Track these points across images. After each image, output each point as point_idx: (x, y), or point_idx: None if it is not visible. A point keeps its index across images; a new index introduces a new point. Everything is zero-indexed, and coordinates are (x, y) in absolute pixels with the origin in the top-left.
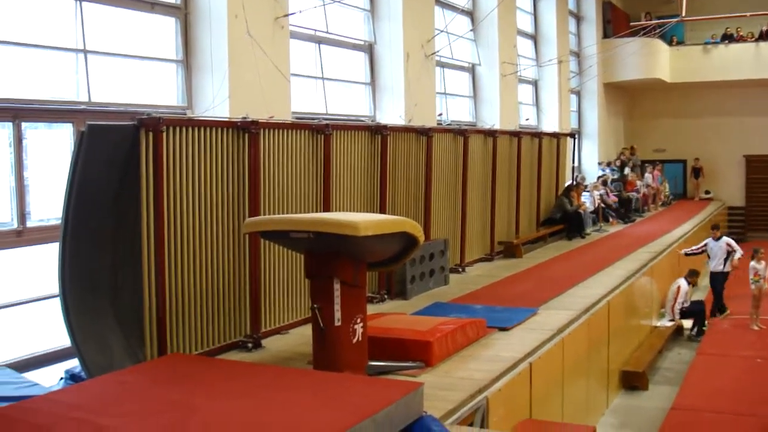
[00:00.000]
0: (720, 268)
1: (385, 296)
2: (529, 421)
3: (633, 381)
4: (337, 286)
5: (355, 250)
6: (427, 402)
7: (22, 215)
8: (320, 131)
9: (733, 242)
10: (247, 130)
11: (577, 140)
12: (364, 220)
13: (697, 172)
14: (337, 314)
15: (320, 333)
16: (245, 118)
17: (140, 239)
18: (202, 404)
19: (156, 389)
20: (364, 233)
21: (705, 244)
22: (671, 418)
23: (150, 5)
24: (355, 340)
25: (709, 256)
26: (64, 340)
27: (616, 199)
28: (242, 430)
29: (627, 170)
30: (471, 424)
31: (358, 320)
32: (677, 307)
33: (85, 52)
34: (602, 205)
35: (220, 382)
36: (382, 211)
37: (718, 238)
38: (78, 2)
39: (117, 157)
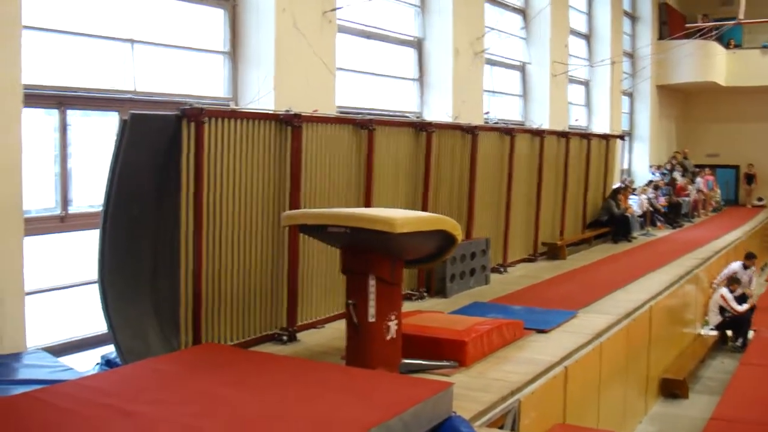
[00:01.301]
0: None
1: (425, 294)
2: (562, 426)
3: (673, 389)
4: (372, 283)
5: (391, 246)
6: (459, 402)
7: (65, 201)
8: (364, 126)
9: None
10: (289, 123)
11: (627, 143)
12: (401, 217)
13: (750, 178)
14: (372, 311)
15: (354, 329)
16: (288, 111)
17: (179, 228)
18: (230, 395)
19: (187, 378)
20: (401, 230)
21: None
22: (710, 428)
23: None
24: (388, 338)
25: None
26: (102, 326)
27: (665, 203)
28: (267, 424)
29: (677, 174)
30: (501, 427)
31: (393, 317)
32: (734, 305)
33: (133, 41)
34: (650, 209)
35: (251, 374)
36: (425, 208)
37: (747, 267)
38: None
39: (159, 146)
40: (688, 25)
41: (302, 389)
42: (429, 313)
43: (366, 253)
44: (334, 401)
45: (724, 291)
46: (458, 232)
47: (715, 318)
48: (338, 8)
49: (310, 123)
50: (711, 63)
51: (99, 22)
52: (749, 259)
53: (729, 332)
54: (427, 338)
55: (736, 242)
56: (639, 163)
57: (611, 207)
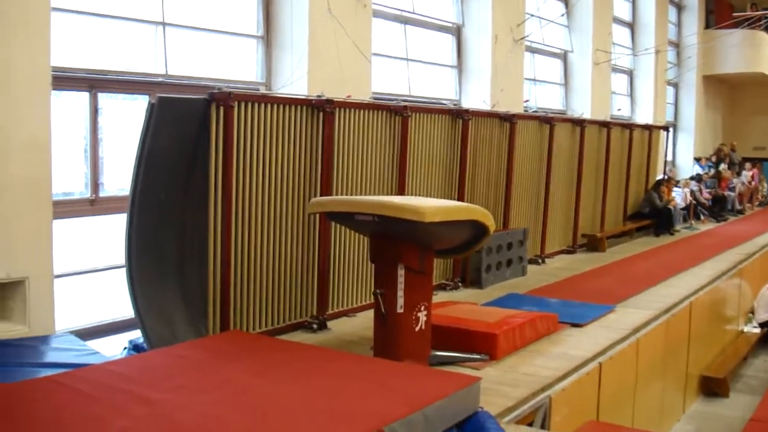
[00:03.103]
0: None
1: (459, 284)
2: (594, 423)
3: (713, 387)
4: (401, 272)
5: (421, 236)
6: (488, 397)
7: (96, 184)
8: (398, 113)
9: None
10: (321, 109)
11: (672, 134)
12: (431, 206)
13: None
14: (400, 301)
15: (382, 319)
16: (320, 96)
17: (208, 214)
18: (254, 384)
19: (211, 366)
20: (431, 219)
21: None
22: (750, 429)
23: None
24: (417, 329)
25: None
26: (130, 311)
27: (709, 196)
28: (287, 414)
29: (723, 166)
30: (531, 423)
31: (422, 308)
32: None
33: (164, 24)
34: (694, 201)
35: (276, 363)
36: (460, 197)
37: None
38: None
39: (187, 130)
40: (735, 14)
41: (325, 380)
42: (461, 304)
43: (395, 241)
44: (357, 393)
45: None
46: (490, 222)
47: (764, 315)
48: None
49: (343, 109)
50: (759, 53)
51: (131, 4)
52: None
53: None
54: (458, 330)
55: None
56: (683, 155)
57: (653, 199)
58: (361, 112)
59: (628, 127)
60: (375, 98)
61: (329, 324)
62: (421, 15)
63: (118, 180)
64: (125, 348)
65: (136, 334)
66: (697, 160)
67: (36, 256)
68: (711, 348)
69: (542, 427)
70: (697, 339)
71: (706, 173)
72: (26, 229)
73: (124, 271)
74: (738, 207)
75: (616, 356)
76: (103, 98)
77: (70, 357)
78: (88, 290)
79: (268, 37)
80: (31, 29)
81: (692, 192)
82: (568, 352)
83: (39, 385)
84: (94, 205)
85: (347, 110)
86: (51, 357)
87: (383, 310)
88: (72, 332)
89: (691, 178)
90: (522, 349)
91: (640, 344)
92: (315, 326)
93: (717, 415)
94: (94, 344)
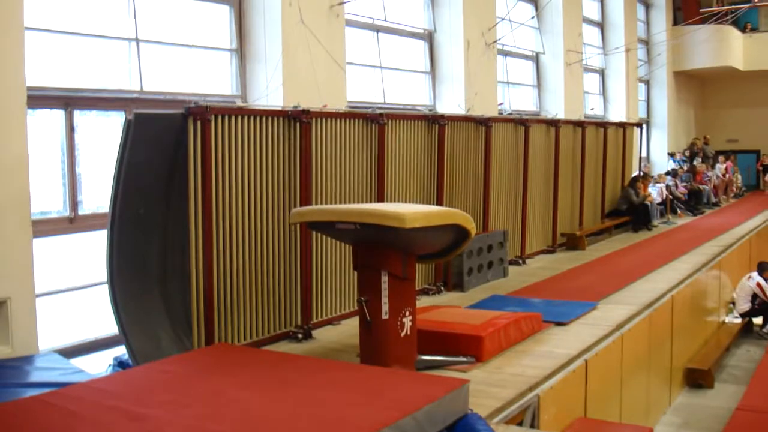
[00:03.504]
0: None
1: (442, 288)
2: (583, 420)
3: (698, 379)
4: (384, 279)
5: (403, 242)
6: (476, 399)
7: (74, 203)
8: (374, 121)
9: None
10: (298, 120)
11: (645, 130)
12: (412, 212)
13: (766, 168)
14: (385, 307)
15: (367, 326)
16: (296, 107)
17: (188, 227)
18: (241, 396)
19: (198, 379)
20: (411, 225)
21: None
22: (737, 418)
23: None
24: (403, 334)
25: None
26: (114, 327)
27: (685, 190)
28: (277, 425)
29: (697, 160)
30: (521, 423)
31: (407, 313)
32: None
33: (138, 41)
34: (670, 196)
35: (263, 374)
36: (439, 202)
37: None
38: None
39: (165, 145)
40: (702, 10)
41: (314, 389)
42: (445, 308)
43: (377, 248)
44: (347, 401)
45: (760, 279)
46: (471, 226)
47: (744, 305)
48: (346, 2)
49: (319, 118)
50: (728, 47)
51: (104, 21)
52: (766, 269)
53: (756, 320)
54: (444, 333)
55: (759, 228)
56: (657, 151)
57: (630, 195)
58: (338, 121)
59: (602, 125)
60: (351, 107)
61: (314, 333)
62: (392, 23)
63: (97, 197)
64: (110, 365)
65: (121, 351)
66: (671, 155)
67: (17, 275)
68: (694, 340)
69: (532, 426)
70: (680, 332)
71: (681, 168)
72: (6, 249)
73: (106, 287)
74: (714, 200)
75: (601, 353)
76: (78, 116)
77: (55, 376)
78: (70, 308)
79: (241, 49)
80: (5, 48)
81: (668, 187)
82: (554, 351)
83: (25, 405)
84: (74, 223)
85: (324, 120)
86: (35, 377)
87: (368, 317)
88: (56, 351)
89: (667, 173)
90: (508, 349)
91: (624, 340)
92: (300, 336)
93: (703, 406)
94: (78, 362)
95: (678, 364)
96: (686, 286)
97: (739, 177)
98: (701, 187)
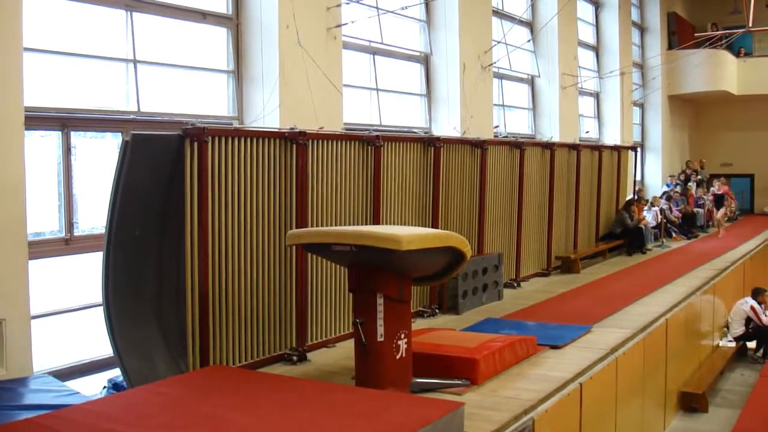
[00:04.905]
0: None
1: (437, 311)
2: None
3: (692, 402)
4: (380, 301)
5: (399, 264)
6: (471, 422)
7: (70, 224)
8: (370, 143)
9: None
10: (294, 141)
11: (640, 154)
12: (408, 234)
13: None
14: (380, 329)
15: (362, 348)
16: (293, 128)
17: (184, 249)
18: (236, 419)
19: (192, 402)
20: (407, 247)
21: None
22: None
23: (201, 15)
24: (398, 356)
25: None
26: (109, 349)
27: (679, 214)
28: None
29: (691, 184)
30: None
31: (402, 336)
32: (763, 317)
33: (135, 62)
34: (664, 220)
35: (258, 397)
36: (434, 224)
37: (761, 303)
38: (129, 12)
39: (162, 166)
40: (697, 35)
41: (310, 412)
42: (440, 331)
43: (373, 271)
44: (342, 424)
45: (754, 303)
46: (467, 248)
47: (738, 329)
48: (343, 24)
49: (316, 140)
50: (722, 72)
51: (102, 42)
52: (760, 294)
53: (750, 344)
54: (438, 356)
55: (753, 252)
56: (652, 174)
57: (624, 219)
58: (334, 142)
59: (597, 148)
60: (347, 129)
61: (309, 355)
62: (389, 45)
63: (93, 218)
64: (105, 387)
65: (116, 373)
66: (671, 178)
67: (12, 297)
68: (688, 364)
69: None
70: (675, 355)
71: (675, 191)
72: (2, 270)
73: (101, 309)
74: (708, 223)
75: (596, 376)
76: (75, 137)
77: (49, 398)
78: (65, 330)
79: (239, 71)
80: (4, 69)
81: (662, 210)
82: (549, 374)
83: (19, 427)
84: (69, 244)
85: (320, 141)
86: (30, 399)
87: (363, 339)
88: (50, 373)
89: (661, 197)
90: (503, 372)
91: (619, 363)
92: (295, 358)
93: (697, 431)
94: (73, 384)
95: (672, 388)
96: (680, 310)
97: (733, 202)
98: (695, 210)
